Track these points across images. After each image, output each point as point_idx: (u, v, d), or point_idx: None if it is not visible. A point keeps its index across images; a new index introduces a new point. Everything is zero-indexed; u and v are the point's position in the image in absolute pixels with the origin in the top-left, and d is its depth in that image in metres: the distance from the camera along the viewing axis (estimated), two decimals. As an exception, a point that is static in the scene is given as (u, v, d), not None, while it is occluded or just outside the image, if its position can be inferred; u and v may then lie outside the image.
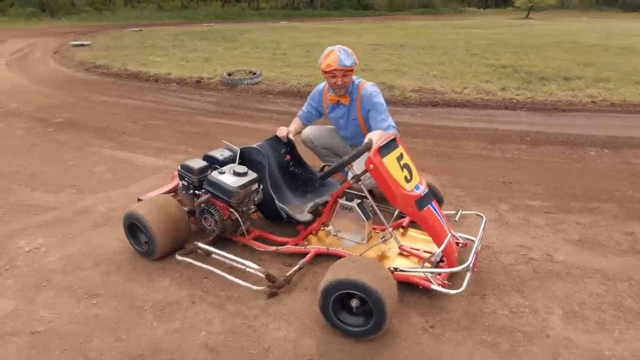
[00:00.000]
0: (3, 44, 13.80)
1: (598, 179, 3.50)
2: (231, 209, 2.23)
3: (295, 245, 2.33)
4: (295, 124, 2.98)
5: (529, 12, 33.41)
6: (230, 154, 2.47)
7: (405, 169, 2.00)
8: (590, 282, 2.16)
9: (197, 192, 2.35)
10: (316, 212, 2.53)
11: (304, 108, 2.99)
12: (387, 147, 2.00)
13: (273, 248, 2.32)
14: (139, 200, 2.49)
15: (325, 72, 2.53)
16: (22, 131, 4.83)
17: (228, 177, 2.21)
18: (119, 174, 3.58)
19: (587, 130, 4.80)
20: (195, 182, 2.32)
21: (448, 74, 7.65)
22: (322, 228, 2.47)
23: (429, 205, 1.99)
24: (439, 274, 1.97)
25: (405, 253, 2.21)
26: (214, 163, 2.40)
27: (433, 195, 2.52)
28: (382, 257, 2.23)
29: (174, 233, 2.24)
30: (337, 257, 2.18)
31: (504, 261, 2.33)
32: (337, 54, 2.45)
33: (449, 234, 1.98)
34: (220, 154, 2.44)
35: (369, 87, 2.66)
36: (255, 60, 9.49)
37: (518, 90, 6.38)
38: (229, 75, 7.39)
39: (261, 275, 2.02)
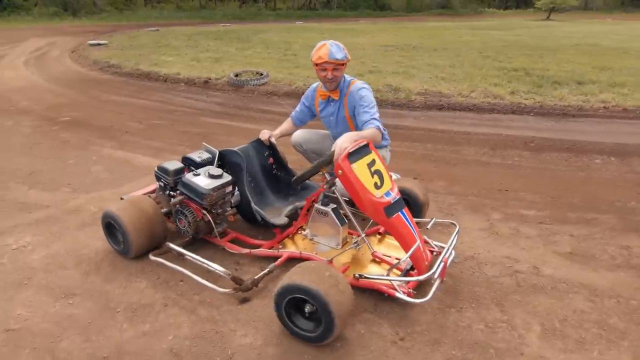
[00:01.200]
0: (25, 42, 14.20)
1: (600, 189, 3.38)
2: (204, 211, 2.24)
3: (269, 249, 2.32)
4: (285, 124, 2.97)
5: (550, 13, 32.68)
6: (209, 156, 2.48)
7: (376, 175, 1.97)
8: (575, 297, 2.08)
9: (172, 193, 2.36)
10: (295, 216, 2.52)
11: (297, 108, 2.97)
12: (358, 152, 1.98)
13: (246, 250, 2.31)
14: (122, 199, 2.52)
15: (317, 64, 2.53)
16: (29, 129, 4.95)
17: (202, 179, 2.22)
18: (115, 173, 3.63)
19: (596, 137, 4.65)
20: (171, 183, 2.35)
21: (457, 76, 7.53)
22: (299, 232, 2.45)
23: (399, 213, 1.96)
24: (405, 282, 1.93)
25: (377, 260, 2.17)
26: (191, 165, 2.42)
27: (412, 201, 2.51)
28: (354, 262, 2.20)
29: (149, 232, 2.25)
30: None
31: (487, 273, 2.26)
32: (328, 47, 2.46)
33: (417, 242, 1.94)
34: (198, 155, 2.45)
35: (358, 84, 2.65)
36: (264, 61, 9.53)
37: (527, 94, 6.23)
38: (236, 76, 7.44)
39: (227, 277, 2.01)
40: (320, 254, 2.26)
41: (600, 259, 2.41)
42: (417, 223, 2.34)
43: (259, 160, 2.80)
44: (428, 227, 2.26)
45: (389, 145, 2.94)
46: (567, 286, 2.16)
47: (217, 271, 2.04)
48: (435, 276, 1.87)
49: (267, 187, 2.77)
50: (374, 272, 2.11)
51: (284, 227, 2.43)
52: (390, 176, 2.08)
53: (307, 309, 1.71)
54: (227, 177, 2.29)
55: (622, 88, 6.46)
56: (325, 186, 2.22)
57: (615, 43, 13.26)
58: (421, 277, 1.85)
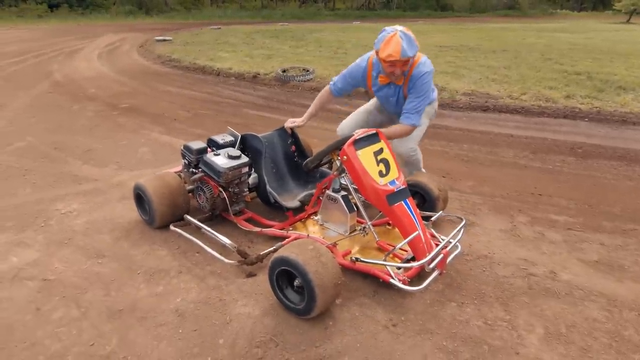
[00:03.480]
0: (100, 37, 15.53)
1: (648, 200, 3.11)
2: (220, 188, 2.38)
3: (280, 230, 2.42)
4: (318, 100, 2.78)
5: (631, 16, 29.92)
6: (232, 139, 2.63)
7: (382, 164, 2.01)
8: (591, 305, 1.97)
9: (194, 170, 2.54)
10: (309, 201, 2.60)
11: (337, 82, 2.69)
12: (365, 140, 2.02)
13: (257, 229, 2.43)
14: (155, 176, 2.75)
15: (384, 60, 2.26)
16: (92, 113, 5.46)
17: (220, 159, 2.37)
18: (158, 155, 3.93)
19: (655, 146, 4.26)
20: (194, 161, 2.52)
21: (510, 78, 7.20)
22: (311, 217, 2.53)
23: (402, 202, 1.97)
24: (399, 268, 1.93)
25: (381, 248, 2.19)
26: (214, 146, 2.58)
27: (425, 195, 2.49)
28: (358, 248, 2.24)
29: (171, 203, 2.44)
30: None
31: (498, 272, 2.20)
32: (400, 43, 2.15)
33: (418, 231, 1.93)
34: (222, 138, 2.61)
35: (421, 66, 2.36)
36: (314, 59, 9.68)
37: (585, 98, 5.81)
38: (283, 71, 7.65)
39: (233, 250, 2.14)
40: (327, 239, 2.32)
41: (629, 270, 2.25)
42: (426, 217, 2.34)
43: (282, 148, 2.91)
44: (433, 219, 2.24)
45: (435, 104, 2.82)
46: (584, 293, 2.05)
47: (223, 243, 2.17)
48: (431, 266, 1.86)
49: (287, 174, 2.88)
50: (375, 258, 2.14)
51: (296, 211, 2.52)
52: (398, 165, 2.09)
53: (296, 282, 1.79)
54: (244, 159, 2.43)
55: (697, 96, 5.83)
56: (335, 172, 2.27)
57: (703, 48, 11.92)
58: (415, 264, 1.86)
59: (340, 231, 2.38)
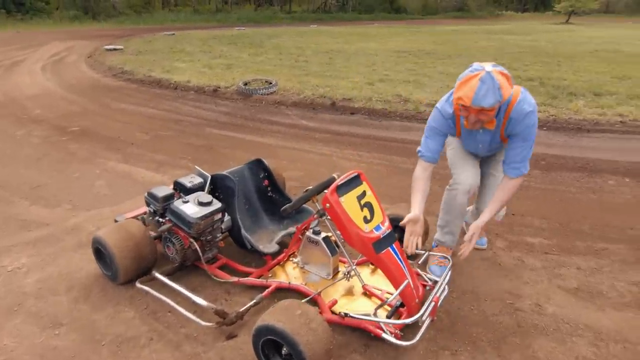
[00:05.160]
0: (44, 46, 14.51)
1: (612, 214, 3.23)
2: (191, 239, 2.20)
3: (259, 278, 2.27)
4: (421, 180, 2.16)
5: (570, 17, 31.95)
6: (201, 180, 2.45)
7: (365, 208, 1.91)
8: (579, 341, 1.97)
9: (161, 219, 2.34)
10: (287, 242, 2.47)
11: (427, 149, 2.19)
12: (348, 185, 1.92)
13: (234, 279, 2.26)
14: (115, 221, 2.51)
15: (455, 102, 1.92)
16: (39, 139, 5.02)
17: (190, 207, 2.18)
18: (116, 189, 3.63)
19: (610, 154, 4.47)
20: (160, 209, 2.32)
21: (469, 86, 7.37)
22: (290, 259, 2.40)
23: (389, 248, 1.89)
24: (391, 323, 1.85)
25: (368, 293, 2.11)
26: (182, 190, 2.39)
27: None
28: (344, 295, 2.14)
29: (137, 256, 2.22)
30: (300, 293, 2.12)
31: (486, 310, 2.17)
32: (474, 89, 1.78)
33: (407, 280, 1.86)
34: (189, 180, 2.42)
35: (524, 104, 1.97)
36: (276, 68, 9.52)
37: (541, 106, 6.04)
38: (245, 84, 7.44)
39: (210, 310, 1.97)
40: (309, 285, 2.21)
41: (607, 296, 2.29)
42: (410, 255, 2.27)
43: (254, 182, 2.76)
44: (419, 262, 2.18)
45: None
46: (571, 327, 2.05)
47: (199, 304, 2.00)
48: (424, 318, 1.79)
49: (262, 210, 2.73)
50: (363, 307, 2.04)
51: (275, 254, 2.38)
52: (382, 208, 2.01)
53: (284, 350, 1.66)
54: (216, 204, 2.25)
55: (641, 100, 6.23)
56: (315, 215, 2.16)
57: (638, 49, 12.88)
58: (408, 320, 1.78)
59: (322, 274, 2.26)
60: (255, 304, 2.06)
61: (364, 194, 1.99)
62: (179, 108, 6.67)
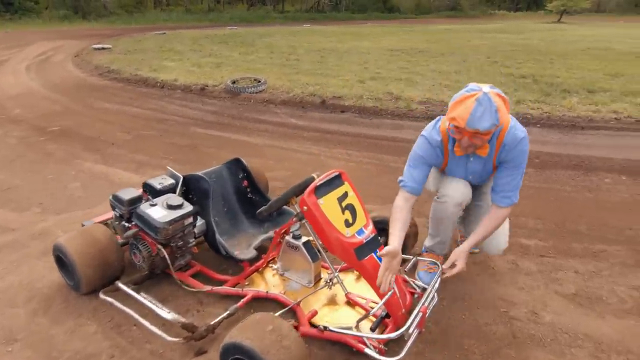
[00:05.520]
0: (31, 46, 14.22)
1: (609, 213, 3.10)
2: (159, 246, 2.03)
3: (234, 286, 2.11)
4: (399, 211, 1.91)
5: (562, 16, 32.08)
6: (172, 181, 2.28)
7: (347, 211, 1.76)
8: (579, 353, 1.83)
9: (127, 224, 2.16)
10: (266, 247, 2.30)
11: (409, 179, 1.98)
12: (328, 185, 1.76)
13: (207, 288, 2.09)
14: (83, 225, 2.34)
15: (449, 121, 1.76)
16: (16, 140, 4.81)
17: (157, 211, 2.01)
18: (90, 191, 3.45)
19: (605, 152, 4.35)
20: (126, 213, 2.14)
21: (462, 84, 7.21)
22: (269, 265, 2.24)
23: (373, 254, 1.73)
24: (374, 338, 1.70)
25: (352, 302, 1.95)
26: (151, 192, 2.22)
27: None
28: (326, 305, 1.99)
29: (101, 264, 2.05)
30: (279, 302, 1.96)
31: (479, 319, 2.02)
32: (469, 110, 1.65)
33: (392, 289, 1.71)
34: (159, 182, 2.25)
35: (515, 130, 1.84)
36: (266, 67, 9.34)
37: (534, 103, 5.94)
38: (233, 82, 7.26)
39: (178, 324, 1.80)
40: (289, 293, 2.05)
41: (607, 302, 2.15)
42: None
43: (233, 183, 2.60)
44: (406, 269, 2.02)
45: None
46: (570, 337, 1.91)
47: (164, 317, 1.82)
48: (410, 331, 1.64)
49: (241, 212, 2.57)
50: (346, 318, 1.89)
51: (252, 260, 2.22)
52: (366, 210, 1.85)
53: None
54: (187, 207, 2.08)
55: (635, 97, 6.13)
56: (295, 219, 2.00)
57: (629, 47, 12.84)
58: (392, 335, 1.62)
59: (303, 282, 2.10)
60: (229, 315, 1.89)
61: (345, 195, 1.83)
62: (165, 107, 6.48)
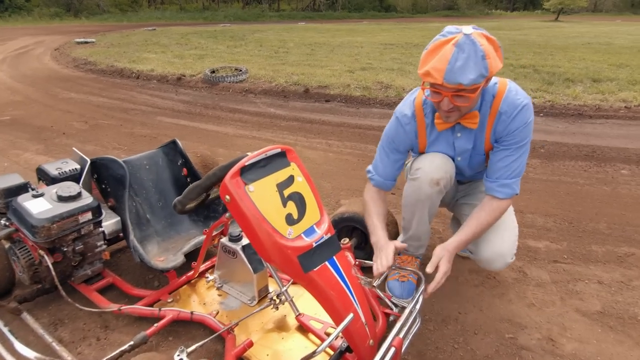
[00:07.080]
0: (13, 41, 13.70)
1: (632, 209, 2.59)
2: (41, 251, 1.49)
3: (151, 305, 1.58)
4: (373, 203, 1.59)
5: (559, 15, 31.78)
6: (76, 166, 1.76)
7: (291, 202, 1.21)
8: (615, 399, 1.31)
9: (4, 222, 1.62)
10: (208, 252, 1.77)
11: (376, 169, 1.64)
12: (263, 166, 1.22)
13: (114, 307, 1.56)
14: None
15: (423, 78, 1.32)
16: (-45, 129, 4.28)
17: (39, 204, 1.48)
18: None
19: (618, 142, 3.85)
20: (2, 207, 1.61)
21: (458, 74, 6.75)
22: (205, 277, 1.70)
23: (326, 263, 1.20)
24: None
25: (303, 327, 1.43)
26: (45, 179, 1.69)
27: (364, 233, 1.76)
28: (271, 330, 1.47)
29: None
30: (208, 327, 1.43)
31: (476, 350, 1.49)
32: (447, 56, 1.21)
33: (351, 315, 1.18)
34: (58, 167, 1.73)
35: (513, 95, 1.40)
36: (252, 58, 8.81)
37: (536, 92, 5.43)
38: (212, 72, 6.73)
39: None
40: (224, 314, 1.53)
41: (645, 324, 1.63)
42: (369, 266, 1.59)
43: (171, 171, 2.08)
44: (375, 284, 1.47)
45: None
46: (600, 376, 1.39)
47: (25, 357, 1.30)
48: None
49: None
50: (295, 350, 1.37)
51: (180, 270, 1.69)
52: (320, 203, 1.31)
53: None
54: (85, 200, 1.55)
55: (645, 86, 5.64)
56: (227, 215, 1.48)
57: (630, 42, 12.37)
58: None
59: (244, 299, 1.57)
60: (132, 348, 1.35)
61: (290, 180, 1.28)
62: (135, 97, 5.94)
